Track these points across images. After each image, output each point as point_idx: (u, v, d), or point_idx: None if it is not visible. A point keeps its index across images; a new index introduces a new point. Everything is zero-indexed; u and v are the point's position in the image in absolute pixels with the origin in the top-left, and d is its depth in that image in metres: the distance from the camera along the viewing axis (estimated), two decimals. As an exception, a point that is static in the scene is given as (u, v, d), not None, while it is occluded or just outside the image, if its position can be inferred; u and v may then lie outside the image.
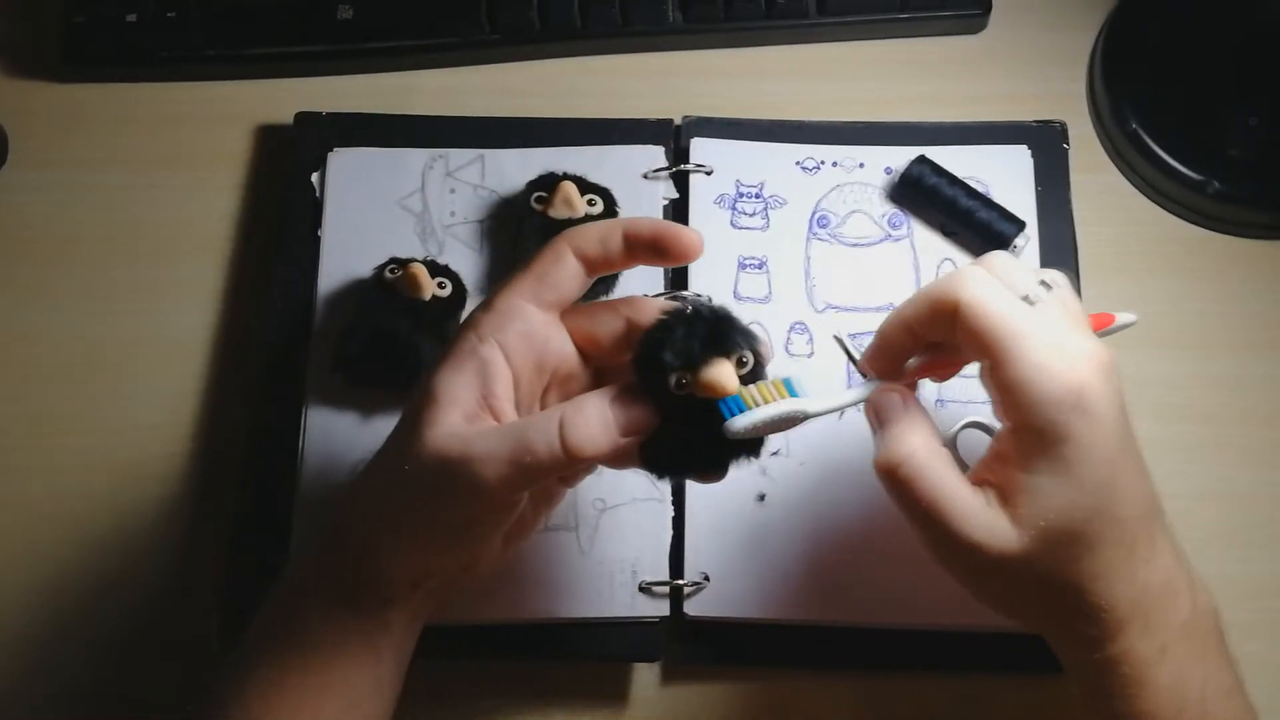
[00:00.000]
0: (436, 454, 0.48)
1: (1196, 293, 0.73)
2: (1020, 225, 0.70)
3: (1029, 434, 0.47)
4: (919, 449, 0.49)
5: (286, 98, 0.77)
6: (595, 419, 0.48)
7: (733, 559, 0.65)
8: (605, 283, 0.69)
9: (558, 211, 0.69)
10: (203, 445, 0.70)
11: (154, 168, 0.77)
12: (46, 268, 0.75)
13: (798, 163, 0.73)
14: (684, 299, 0.69)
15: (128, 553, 0.68)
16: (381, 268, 0.69)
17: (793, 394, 0.48)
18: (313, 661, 0.52)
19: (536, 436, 0.47)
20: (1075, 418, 0.46)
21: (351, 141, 0.74)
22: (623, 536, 0.65)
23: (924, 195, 0.72)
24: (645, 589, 0.64)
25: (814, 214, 0.72)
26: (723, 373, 0.47)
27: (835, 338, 0.57)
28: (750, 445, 0.49)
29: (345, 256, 0.71)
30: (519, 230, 0.70)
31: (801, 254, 0.71)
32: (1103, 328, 0.54)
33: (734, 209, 0.72)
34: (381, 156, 0.74)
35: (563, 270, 0.51)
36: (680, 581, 0.64)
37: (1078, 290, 0.69)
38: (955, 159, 0.72)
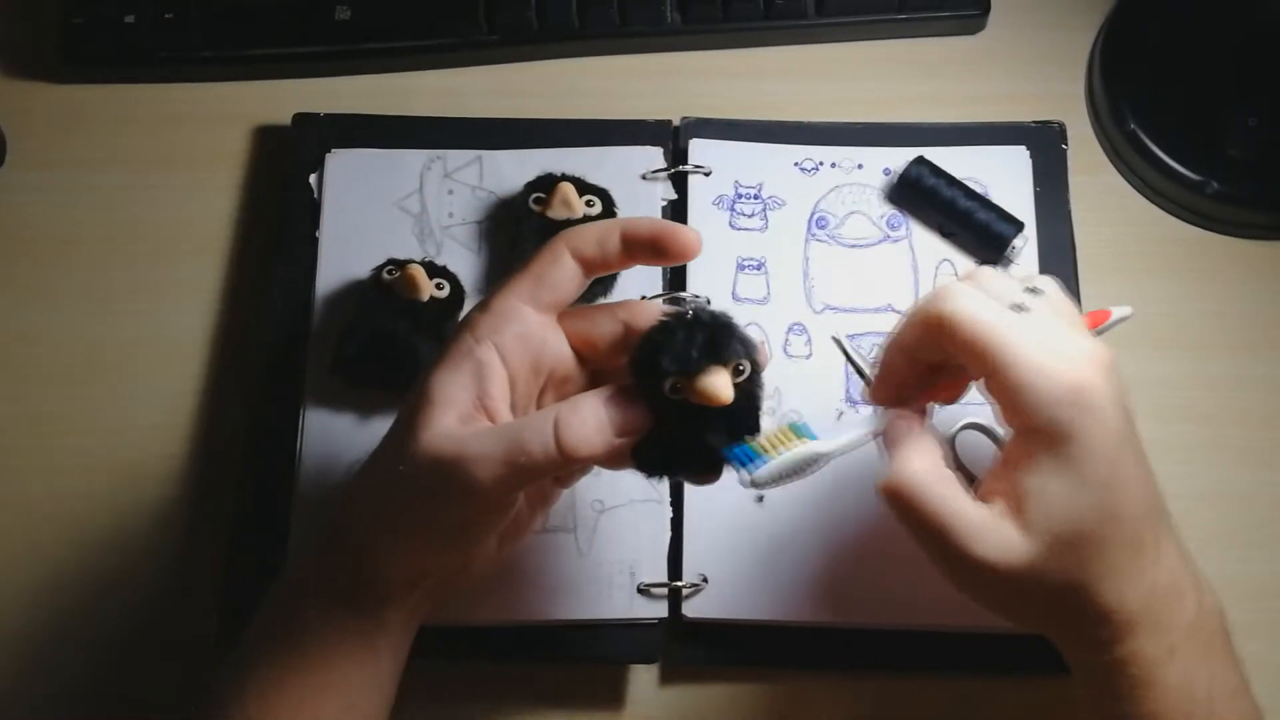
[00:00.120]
0: (431, 455, 0.48)
1: (1195, 293, 0.73)
2: (1019, 226, 0.70)
3: (1032, 436, 0.47)
4: (924, 470, 0.49)
5: (285, 98, 0.77)
6: (590, 419, 0.48)
7: (731, 560, 0.65)
8: (603, 283, 0.69)
9: (556, 212, 0.69)
10: (202, 445, 0.70)
11: (152, 168, 0.77)
12: (45, 268, 0.75)
13: (796, 164, 0.73)
14: (682, 300, 0.69)
15: (127, 553, 0.68)
16: (379, 269, 0.69)
17: (811, 436, 0.49)
18: (311, 661, 0.52)
19: (531, 437, 0.47)
20: (1076, 415, 0.46)
21: (350, 142, 0.74)
22: (621, 538, 0.65)
23: (922, 196, 0.71)
24: (643, 590, 0.64)
25: (812, 215, 0.72)
26: (718, 382, 0.47)
27: (834, 339, 0.57)
28: (768, 488, 0.49)
29: (343, 257, 0.71)
30: (517, 231, 0.70)
31: (800, 255, 0.71)
32: (1099, 324, 0.54)
33: (732, 210, 0.72)
34: (379, 157, 0.74)
35: (560, 271, 0.51)
36: (679, 583, 0.64)
37: (1076, 291, 0.70)
38: (954, 160, 0.72)
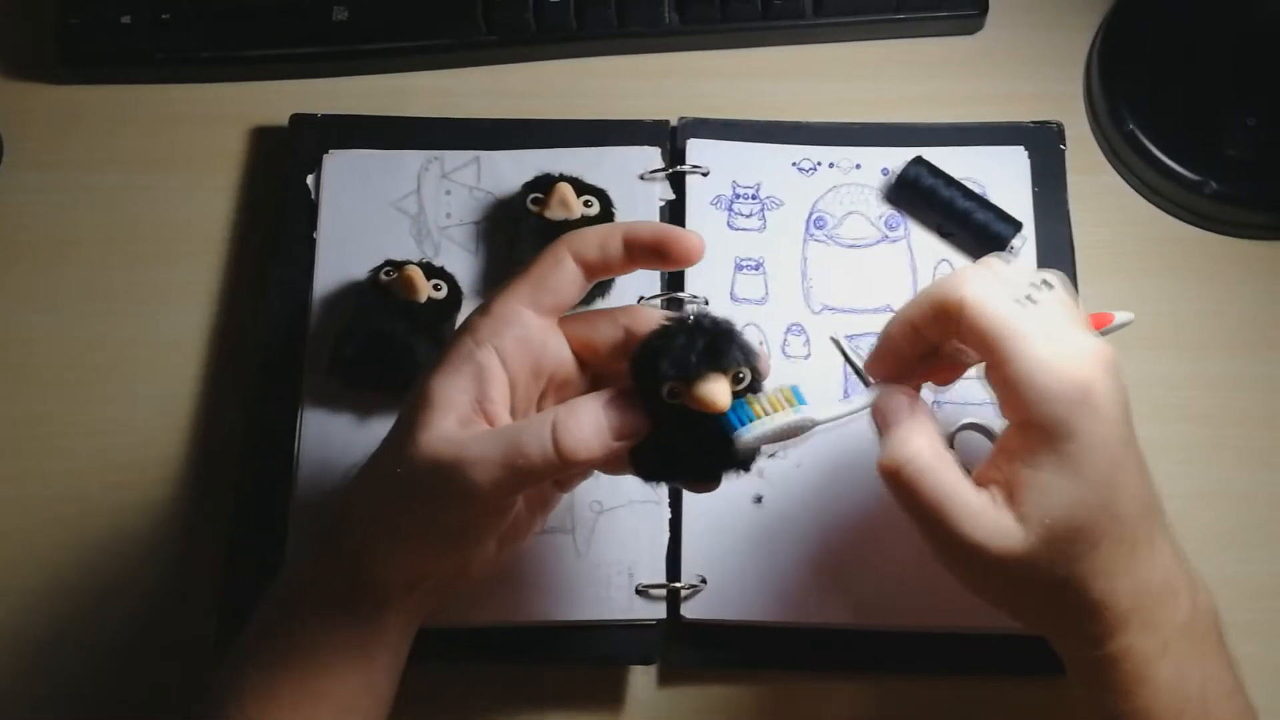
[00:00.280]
0: (430, 458, 0.48)
1: (1194, 293, 0.73)
2: (1017, 226, 0.70)
3: (1034, 430, 0.47)
4: (923, 450, 0.49)
5: (282, 99, 0.77)
6: (588, 422, 0.48)
7: (730, 561, 0.65)
8: (602, 285, 0.69)
9: (554, 213, 0.69)
10: (200, 446, 0.70)
11: (150, 169, 0.77)
12: (43, 269, 0.75)
13: (794, 164, 0.73)
14: (681, 301, 0.69)
15: (126, 554, 0.68)
16: (377, 270, 0.69)
17: (800, 402, 0.48)
18: (308, 665, 0.52)
19: (529, 440, 0.47)
20: (1081, 413, 0.46)
21: (347, 143, 0.74)
22: (620, 539, 0.65)
23: (921, 196, 0.71)
24: (642, 591, 0.64)
25: (811, 215, 0.72)
26: (716, 389, 0.47)
27: (832, 339, 0.57)
28: (741, 458, 0.49)
29: (341, 258, 0.71)
30: (515, 232, 0.70)
31: (798, 255, 0.71)
32: (1101, 327, 0.54)
33: (730, 210, 0.72)
34: (377, 158, 0.74)
35: (561, 275, 0.51)
36: (677, 584, 0.64)
37: (1074, 292, 0.70)
38: (952, 160, 0.72)
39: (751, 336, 0.68)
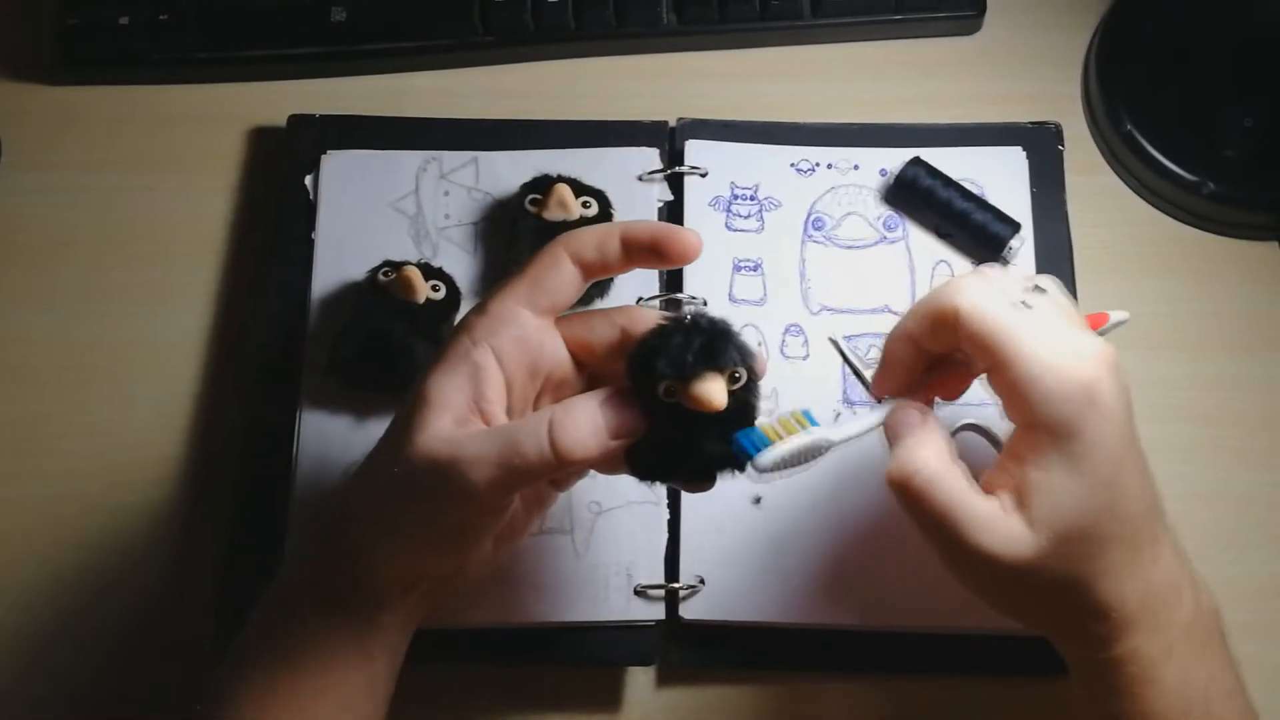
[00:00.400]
0: (427, 457, 0.48)
1: (1192, 294, 0.73)
2: (1015, 227, 0.70)
3: (1039, 432, 0.47)
4: (930, 460, 0.49)
5: (280, 100, 0.77)
6: (585, 421, 0.48)
7: (729, 562, 0.65)
8: (600, 285, 0.69)
9: (552, 214, 0.69)
10: (198, 447, 0.70)
11: (148, 170, 0.77)
12: (41, 270, 0.75)
13: (793, 165, 0.73)
14: (679, 302, 0.69)
15: (124, 554, 0.68)
16: (375, 270, 0.69)
17: (812, 424, 0.49)
18: (306, 664, 0.52)
19: (526, 439, 0.47)
20: (1086, 412, 0.46)
21: (345, 144, 0.74)
22: (618, 539, 0.65)
23: (919, 197, 0.71)
24: (640, 592, 0.64)
25: (809, 216, 0.72)
26: (712, 388, 0.47)
27: (830, 340, 0.57)
28: (733, 459, 0.49)
29: (339, 259, 0.71)
30: (513, 233, 0.70)
31: (796, 256, 0.71)
32: (1097, 327, 0.54)
33: (729, 211, 0.72)
34: (375, 159, 0.74)
35: (559, 275, 0.51)
36: (676, 585, 0.64)
37: (1073, 292, 0.70)
38: (950, 161, 0.72)
39: (750, 337, 0.68)
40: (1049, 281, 0.51)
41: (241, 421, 0.69)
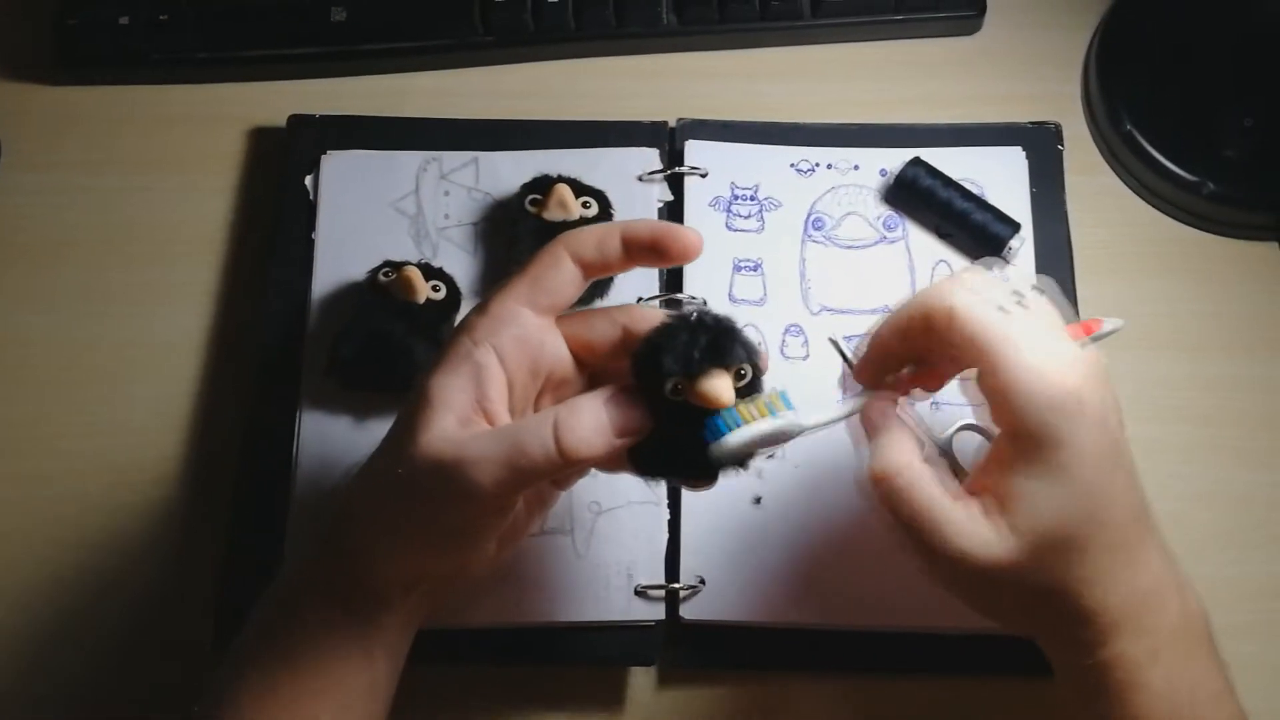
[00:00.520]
0: (430, 458, 0.48)
1: (1192, 294, 0.73)
2: (1015, 227, 0.70)
3: (1023, 438, 0.47)
4: (915, 460, 0.49)
5: (280, 100, 0.77)
6: (590, 421, 0.48)
7: (729, 562, 0.65)
8: (600, 285, 0.69)
9: (552, 214, 0.69)
10: (198, 447, 0.70)
11: (148, 170, 0.77)
12: (41, 270, 0.74)
13: (792, 165, 0.73)
14: (679, 302, 0.69)
15: (124, 555, 0.68)
16: (375, 270, 0.69)
17: (788, 406, 0.48)
18: (306, 664, 0.52)
19: (530, 439, 0.47)
20: (1070, 421, 0.46)
21: (345, 144, 0.74)
22: (618, 539, 0.65)
23: (919, 197, 0.71)
24: (641, 592, 0.64)
25: (809, 216, 0.72)
26: (719, 385, 0.47)
27: (830, 340, 0.57)
28: (739, 456, 0.49)
29: (339, 259, 0.71)
30: (513, 233, 0.70)
31: (796, 256, 0.71)
32: (1090, 333, 0.54)
33: (729, 211, 0.72)
34: (375, 159, 0.74)
35: (559, 275, 0.51)
36: (676, 585, 0.64)
37: (1072, 292, 0.70)
38: (950, 161, 0.72)
39: (753, 339, 0.68)
40: (1045, 283, 0.51)
41: (241, 421, 0.69)
